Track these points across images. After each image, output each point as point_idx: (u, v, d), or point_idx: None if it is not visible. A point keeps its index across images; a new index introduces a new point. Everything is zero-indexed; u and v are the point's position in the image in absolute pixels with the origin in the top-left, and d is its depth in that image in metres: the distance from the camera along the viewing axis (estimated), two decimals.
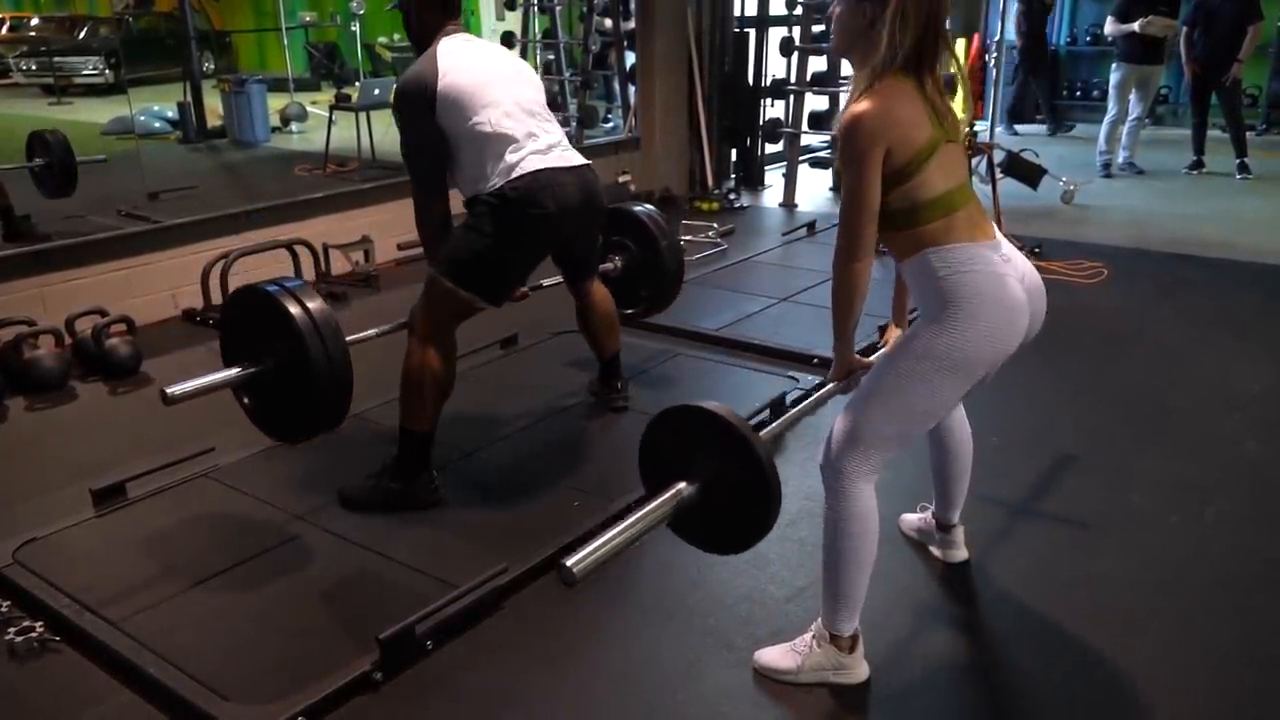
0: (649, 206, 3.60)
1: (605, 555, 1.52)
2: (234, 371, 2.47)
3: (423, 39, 2.82)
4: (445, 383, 2.76)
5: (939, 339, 1.86)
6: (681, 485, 1.68)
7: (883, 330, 2.22)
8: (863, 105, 1.82)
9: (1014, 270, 1.93)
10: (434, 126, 2.69)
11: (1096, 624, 2.26)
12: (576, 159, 2.84)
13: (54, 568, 2.48)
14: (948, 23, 1.93)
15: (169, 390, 2.34)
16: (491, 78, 2.74)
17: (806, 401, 2.25)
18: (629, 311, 3.58)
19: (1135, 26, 7.19)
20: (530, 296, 3.21)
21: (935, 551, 2.52)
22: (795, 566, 2.50)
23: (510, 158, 2.68)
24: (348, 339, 2.48)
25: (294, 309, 2.38)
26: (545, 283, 3.34)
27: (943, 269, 1.87)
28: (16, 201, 4.51)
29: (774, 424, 2.04)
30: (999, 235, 1.98)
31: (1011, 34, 8.86)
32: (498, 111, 2.70)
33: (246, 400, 2.57)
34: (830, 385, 2.11)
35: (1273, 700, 2.03)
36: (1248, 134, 7.68)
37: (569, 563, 1.46)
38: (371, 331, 2.83)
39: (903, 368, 1.89)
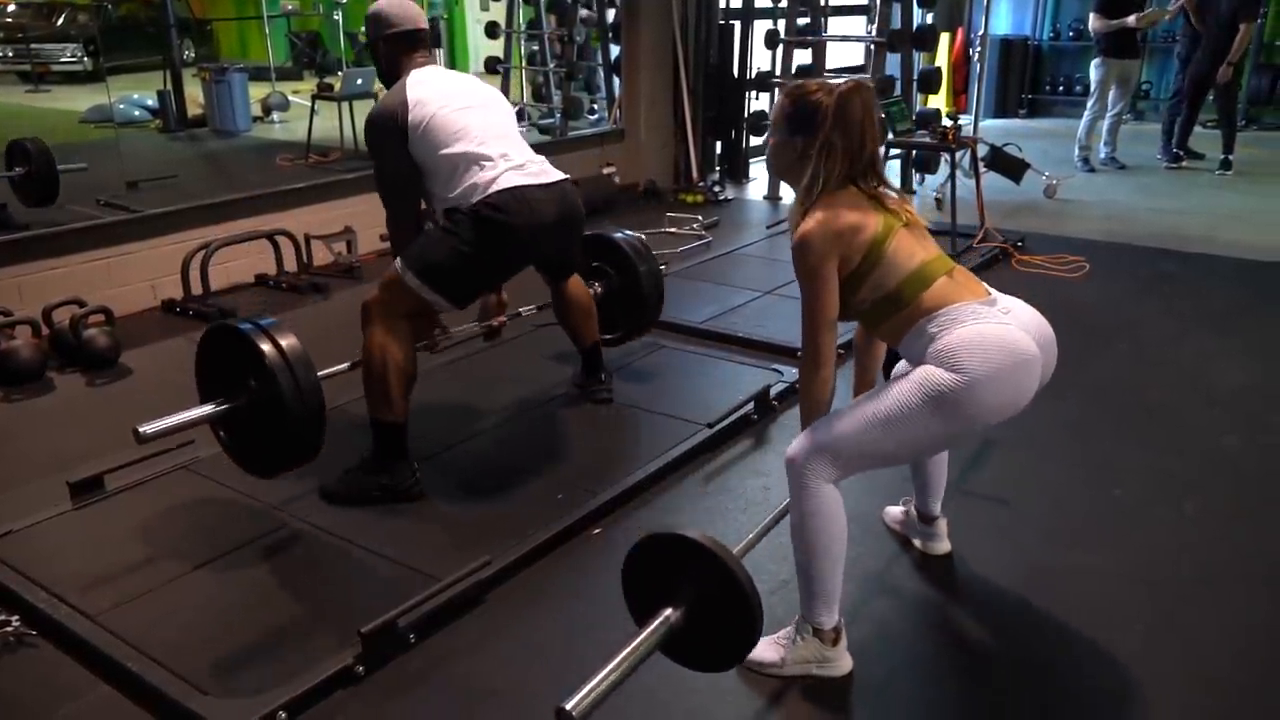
0: (629, 233, 3.62)
1: (603, 692, 1.54)
2: (208, 408, 2.50)
3: (391, 72, 2.89)
4: (408, 369, 2.75)
5: (943, 376, 1.83)
6: (669, 611, 1.69)
7: None
8: (808, 225, 1.91)
9: (1017, 322, 1.91)
10: (406, 155, 2.75)
11: (1078, 617, 2.27)
12: (554, 175, 2.87)
13: (30, 561, 2.45)
14: (880, 134, 2.04)
15: (142, 429, 2.36)
16: (462, 105, 2.79)
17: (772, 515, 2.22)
18: (608, 337, 3.58)
19: (1131, 21, 7.15)
20: (508, 324, 3.31)
21: (918, 544, 2.53)
22: (779, 560, 2.50)
23: (485, 176, 2.71)
24: (320, 373, 2.54)
25: (266, 347, 2.42)
26: (523, 310, 3.41)
27: (939, 330, 1.87)
28: None
29: (749, 536, 2.08)
30: (995, 293, 1.98)
31: (996, 29, 8.74)
32: (469, 137, 2.74)
33: (223, 434, 2.62)
34: None
35: (1254, 694, 2.05)
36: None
37: (568, 706, 1.49)
38: (343, 365, 2.85)
39: (901, 396, 1.87)
